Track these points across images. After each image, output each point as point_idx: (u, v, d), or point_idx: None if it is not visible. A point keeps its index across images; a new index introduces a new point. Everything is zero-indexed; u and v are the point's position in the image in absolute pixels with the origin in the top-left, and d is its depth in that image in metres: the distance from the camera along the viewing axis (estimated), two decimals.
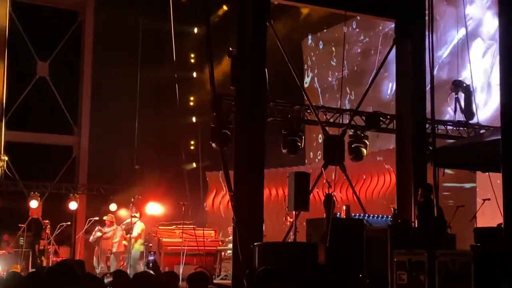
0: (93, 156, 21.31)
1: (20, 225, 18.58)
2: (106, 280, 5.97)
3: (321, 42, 23.68)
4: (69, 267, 4.94)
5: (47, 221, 18.12)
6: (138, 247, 16.72)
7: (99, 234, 17.36)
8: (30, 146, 20.89)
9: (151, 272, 9.64)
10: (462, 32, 17.62)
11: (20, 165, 20.14)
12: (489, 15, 18.30)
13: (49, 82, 21.30)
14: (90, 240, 17.79)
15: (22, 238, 18.46)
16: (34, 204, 18.87)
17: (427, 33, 12.75)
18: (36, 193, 19.18)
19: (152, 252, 13.18)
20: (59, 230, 18.15)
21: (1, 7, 20.36)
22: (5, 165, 19.63)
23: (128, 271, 15.09)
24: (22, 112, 20.77)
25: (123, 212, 18.70)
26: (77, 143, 21.59)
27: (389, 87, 20.06)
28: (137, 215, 17.02)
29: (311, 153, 23.17)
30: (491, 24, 18.02)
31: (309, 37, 24.02)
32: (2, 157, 19.68)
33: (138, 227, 16.77)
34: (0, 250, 18.73)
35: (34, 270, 13.12)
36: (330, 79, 23.15)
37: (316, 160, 22.23)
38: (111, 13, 20.63)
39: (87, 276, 7.69)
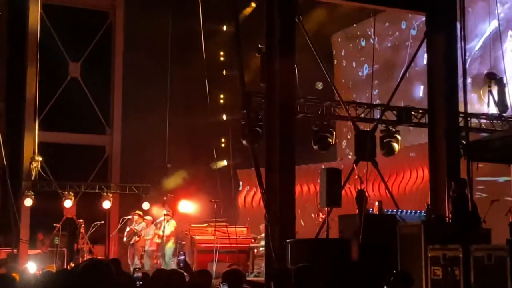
0: (125, 155, 21.46)
1: (55, 224, 18.81)
2: (136, 275, 6.00)
3: (350, 37, 23.55)
4: (104, 265, 4.92)
5: (81, 220, 18.31)
6: (171, 244, 16.82)
7: (136, 238, 17.39)
8: (63, 146, 21.08)
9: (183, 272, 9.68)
10: (494, 24, 17.38)
11: (54, 166, 20.36)
12: None
13: (81, 82, 21.50)
14: (125, 242, 17.89)
15: (57, 238, 18.68)
16: (68, 203, 19.09)
17: (458, 25, 12.62)
18: (70, 192, 19.40)
19: (182, 252, 13.21)
20: (93, 229, 18.33)
21: (32, 9, 20.59)
22: (39, 166, 19.86)
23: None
24: (55, 113, 20.98)
25: (155, 210, 18.82)
26: (109, 142, 21.75)
27: (420, 81, 19.87)
28: (170, 213, 17.11)
29: (343, 149, 23.06)
30: None
31: (339, 32, 23.88)
32: (36, 158, 19.91)
33: (171, 226, 16.86)
34: (35, 249, 18.99)
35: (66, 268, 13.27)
36: (360, 74, 23.01)
37: (349, 156, 22.13)
38: (141, 12, 20.74)
39: (122, 275, 7.74)
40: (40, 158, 19.92)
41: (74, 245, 18.44)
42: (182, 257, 10.39)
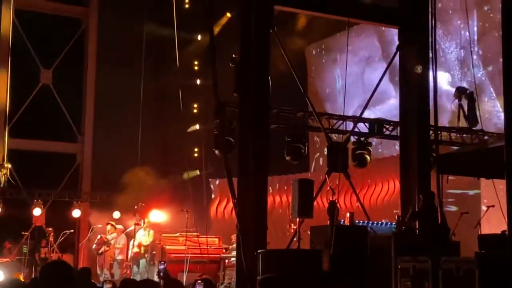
0: (96, 164, 21.30)
1: (23, 232, 18.57)
2: (105, 287, 5.93)
3: (324, 49, 23.68)
4: (58, 263, 4.71)
5: (50, 228, 18.12)
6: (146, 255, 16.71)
7: (105, 248, 17.24)
8: (34, 154, 20.88)
9: (162, 281, 9.62)
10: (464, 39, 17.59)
11: (24, 173, 20.12)
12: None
13: (53, 89, 21.32)
14: (93, 249, 17.71)
15: (25, 246, 18.44)
16: (37, 212, 18.88)
17: (430, 39, 12.73)
18: (40, 201, 19.19)
19: (162, 261, 13.16)
20: (63, 238, 18.14)
21: (4, 15, 20.40)
22: (8, 173, 19.61)
23: (138, 279, 15.06)
24: (26, 119, 20.78)
25: (126, 220, 18.68)
26: (80, 151, 21.59)
27: (393, 94, 20.03)
28: (142, 223, 17.01)
29: (317, 160, 23.13)
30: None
31: (313, 44, 24.01)
32: (6, 165, 19.66)
33: (151, 236, 16.79)
34: (2, 258, 18.71)
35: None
36: (333, 86, 23.14)
37: (319, 166, 22.18)
38: (114, 20, 20.65)
39: (92, 286, 7.61)
40: (10, 166, 19.65)
41: (35, 254, 18.21)
42: (162, 267, 10.28)
